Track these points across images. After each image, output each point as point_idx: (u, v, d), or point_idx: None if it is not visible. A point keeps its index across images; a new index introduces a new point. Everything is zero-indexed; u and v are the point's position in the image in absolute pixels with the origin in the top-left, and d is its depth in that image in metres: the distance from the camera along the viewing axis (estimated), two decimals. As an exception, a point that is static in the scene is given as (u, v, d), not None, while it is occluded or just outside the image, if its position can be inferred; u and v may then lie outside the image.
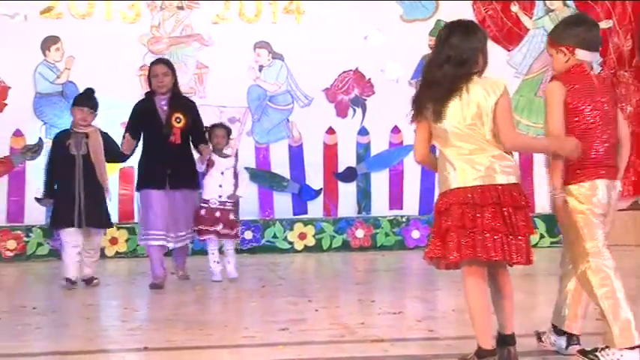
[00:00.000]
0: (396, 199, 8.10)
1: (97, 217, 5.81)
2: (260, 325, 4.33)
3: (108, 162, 5.95)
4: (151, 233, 5.86)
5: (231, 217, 6.00)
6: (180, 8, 7.78)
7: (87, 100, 5.89)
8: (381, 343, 3.77)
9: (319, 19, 7.94)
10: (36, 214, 7.03)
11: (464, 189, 3.15)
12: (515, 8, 8.11)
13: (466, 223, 3.13)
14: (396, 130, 8.05)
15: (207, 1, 7.74)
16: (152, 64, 6.09)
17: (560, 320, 3.51)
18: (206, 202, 5.93)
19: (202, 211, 5.90)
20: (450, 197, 3.18)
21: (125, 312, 5.02)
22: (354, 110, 8.04)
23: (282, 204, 7.91)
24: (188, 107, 6.02)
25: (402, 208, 8.07)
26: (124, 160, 6.26)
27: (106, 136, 5.96)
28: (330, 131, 8.00)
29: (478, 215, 3.13)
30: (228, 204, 5.98)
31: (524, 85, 8.16)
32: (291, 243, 7.84)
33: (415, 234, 7.99)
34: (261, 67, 7.94)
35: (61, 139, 5.92)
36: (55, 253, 6.70)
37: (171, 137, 5.83)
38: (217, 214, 5.90)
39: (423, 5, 8.07)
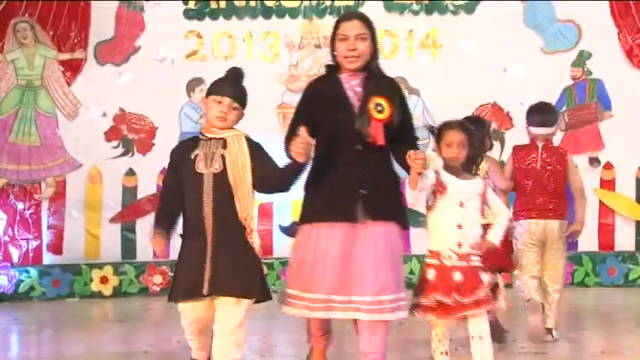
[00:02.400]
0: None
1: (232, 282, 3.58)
2: None
3: (263, 192, 3.77)
4: (307, 297, 3.69)
5: (482, 279, 3.75)
6: (318, 47, 7.92)
7: (229, 85, 3.74)
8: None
9: (456, 52, 7.88)
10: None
11: None
12: (665, 35, 7.79)
13: None
14: (536, 163, 7.84)
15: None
16: (339, 20, 3.93)
17: None
18: (433, 254, 3.81)
19: (428, 272, 3.78)
20: None
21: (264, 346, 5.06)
22: (493, 144, 7.88)
23: (419, 240, 7.81)
24: (392, 90, 3.87)
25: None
26: (291, 184, 3.68)
27: (257, 147, 3.68)
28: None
29: None
30: (472, 258, 3.78)
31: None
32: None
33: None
34: (397, 103, 7.91)
35: (182, 151, 3.70)
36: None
37: (368, 136, 3.74)
38: (456, 276, 3.73)
39: (564, 36, 7.86)
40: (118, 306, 7.27)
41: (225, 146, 3.60)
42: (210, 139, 3.64)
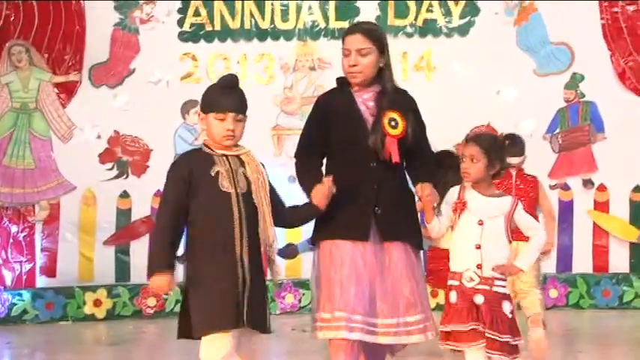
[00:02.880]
0: (532, 256, 7.85)
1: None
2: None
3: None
4: (338, 317, 3.49)
5: (506, 309, 3.54)
6: (312, 69, 7.95)
7: (228, 97, 3.38)
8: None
9: (450, 74, 7.91)
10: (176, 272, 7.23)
11: None
12: (657, 58, 7.83)
13: None
14: (530, 185, 7.86)
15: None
16: (345, 34, 3.83)
17: None
18: (454, 275, 3.62)
19: (450, 294, 3.59)
20: None
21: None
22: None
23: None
24: (405, 103, 3.80)
25: (538, 266, 7.82)
26: (300, 225, 3.71)
27: (265, 171, 3.50)
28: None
29: None
30: (496, 283, 3.57)
31: (669, 139, 7.81)
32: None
33: (553, 293, 7.70)
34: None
35: (196, 165, 3.35)
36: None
37: (383, 152, 3.63)
38: (477, 298, 3.52)
39: (557, 58, 7.91)
40: (112, 329, 7.23)
41: (243, 164, 3.37)
42: (225, 155, 3.36)
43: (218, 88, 3.43)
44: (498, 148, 3.69)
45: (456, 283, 3.57)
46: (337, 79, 3.84)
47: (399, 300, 3.55)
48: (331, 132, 3.67)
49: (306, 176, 3.65)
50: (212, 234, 3.29)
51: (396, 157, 3.61)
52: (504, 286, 3.55)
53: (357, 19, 7.87)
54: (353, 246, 3.55)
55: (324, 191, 3.47)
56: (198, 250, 3.32)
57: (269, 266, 3.42)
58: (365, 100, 3.71)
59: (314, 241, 3.70)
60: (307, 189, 3.57)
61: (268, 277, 3.46)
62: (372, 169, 3.62)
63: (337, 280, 3.51)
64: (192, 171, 3.30)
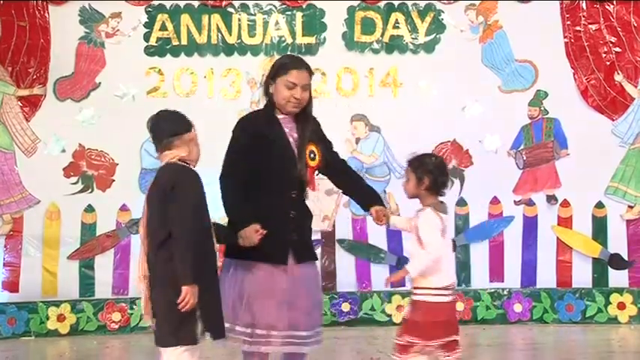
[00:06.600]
0: (496, 271, 7.92)
1: None
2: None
3: None
4: (259, 333, 3.90)
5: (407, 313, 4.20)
6: (279, 84, 7.95)
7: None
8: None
9: (416, 90, 7.97)
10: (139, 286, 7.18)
11: None
12: (619, 77, 7.95)
13: None
14: (495, 200, 7.93)
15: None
16: (289, 66, 4.05)
17: None
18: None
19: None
20: None
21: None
22: (452, 181, 7.97)
23: (380, 276, 7.86)
24: (318, 131, 4.15)
25: (503, 281, 7.89)
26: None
27: None
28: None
29: None
30: (414, 291, 4.11)
31: (630, 155, 7.93)
32: (389, 315, 7.75)
33: (517, 307, 7.77)
34: (357, 140, 7.99)
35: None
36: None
37: (306, 183, 4.04)
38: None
39: (521, 75, 8.01)
40: (75, 344, 7.15)
41: None
42: None
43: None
44: (424, 166, 4.06)
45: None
46: (267, 105, 4.09)
47: (311, 314, 4.00)
48: (260, 159, 3.91)
49: (236, 204, 3.92)
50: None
51: (313, 187, 4.05)
52: (420, 294, 3.99)
53: (323, 35, 7.94)
54: (266, 268, 3.92)
55: (253, 237, 3.82)
56: None
57: None
58: (290, 131, 4.02)
59: (233, 257, 4.00)
60: (236, 217, 3.89)
61: None
62: (292, 198, 3.97)
63: (266, 299, 3.91)
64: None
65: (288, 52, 7.92)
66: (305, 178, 3.98)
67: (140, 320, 7.41)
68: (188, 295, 3.50)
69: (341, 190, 4.62)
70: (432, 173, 4.03)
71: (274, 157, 3.93)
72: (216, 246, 3.70)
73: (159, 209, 3.66)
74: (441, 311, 3.97)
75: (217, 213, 4.02)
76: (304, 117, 4.04)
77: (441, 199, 4.08)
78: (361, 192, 4.28)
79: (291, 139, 3.99)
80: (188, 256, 3.52)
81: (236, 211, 3.91)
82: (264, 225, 3.82)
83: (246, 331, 3.87)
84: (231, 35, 7.96)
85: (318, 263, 4.34)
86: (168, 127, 3.85)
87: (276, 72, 4.03)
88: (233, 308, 3.87)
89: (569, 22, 7.96)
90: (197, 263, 3.53)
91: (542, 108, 7.98)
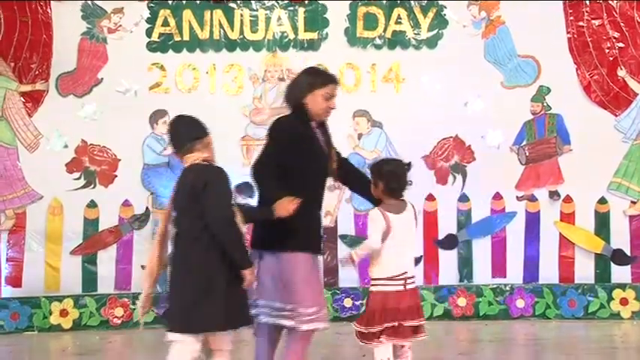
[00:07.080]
0: (498, 266, 7.92)
1: None
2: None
3: None
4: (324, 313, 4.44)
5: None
6: (281, 79, 7.96)
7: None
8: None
9: (418, 86, 7.96)
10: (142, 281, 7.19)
11: None
12: (622, 72, 7.94)
13: None
14: (497, 196, 7.93)
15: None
16: (327, 80, 4.55)
17: None
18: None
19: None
20: None
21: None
22: (454, 177, 7.97)
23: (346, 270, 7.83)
24: (331, 138, 4.67)
25: (505, 276, 7.88)
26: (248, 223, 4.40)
27: None
28: (430, 198, 7.94)
29: None
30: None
31: (633, 150, 7.92)
32: (392, 311, 7.75)
33: (520, 303, 7.77)
34: (360, 135, 7.99)
35: None
36: (161, 321, 6.82)
37: (331, 179, 4.67)
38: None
39: (524, 71, 8.00)
40: (78, 339, 7.17)
41: None
42: None
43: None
44: (379, 172, 4.44)
45: None
46: (300, 112, 4.45)
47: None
48: (295, 158, 4.29)
49: (272, 185, 4.27)
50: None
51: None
52: (373, 285, 4.49)
53: (326, 31, 7.93)
54: (313, 258, 4.41)
55: (292, 205, 4.15)
56: None
57: None
58: (319, 135, 4.49)
59: (294, 249, 4.31)
60: (272, 194, 4.21)
61: None
62: (321, 194, 4.47)
63: (317, 283, 4.48)
64: None
65: (290, 49, 7.93)
66: (332, 175, 4.55)
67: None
68: (250, 276, 3.99)
69: (348, 188, 5.12)
70: (385, 178, 4.40)
71: (314, 157, 4.38)
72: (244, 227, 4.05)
73: (191, 206, 3.97)
74: (390, 299, 4.39)
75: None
76: (322, 122, 4.52)
77: (403, 199, 4.44)
78: (368, 189, 4.55)
79: (322, 143, 4.48)
80: (240, 244, 3.98)
81: (273, 189, 4.24)
82: (302, 218, 4.20)
83: (311, 311, 4.27)
84: (233, 31, 7.95)
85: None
86: (189, 131, 4.22)
87: (313, 85, 4.44)
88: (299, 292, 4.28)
89: (572, 18, 7.95)
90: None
91: (545, 103, 7.97)
